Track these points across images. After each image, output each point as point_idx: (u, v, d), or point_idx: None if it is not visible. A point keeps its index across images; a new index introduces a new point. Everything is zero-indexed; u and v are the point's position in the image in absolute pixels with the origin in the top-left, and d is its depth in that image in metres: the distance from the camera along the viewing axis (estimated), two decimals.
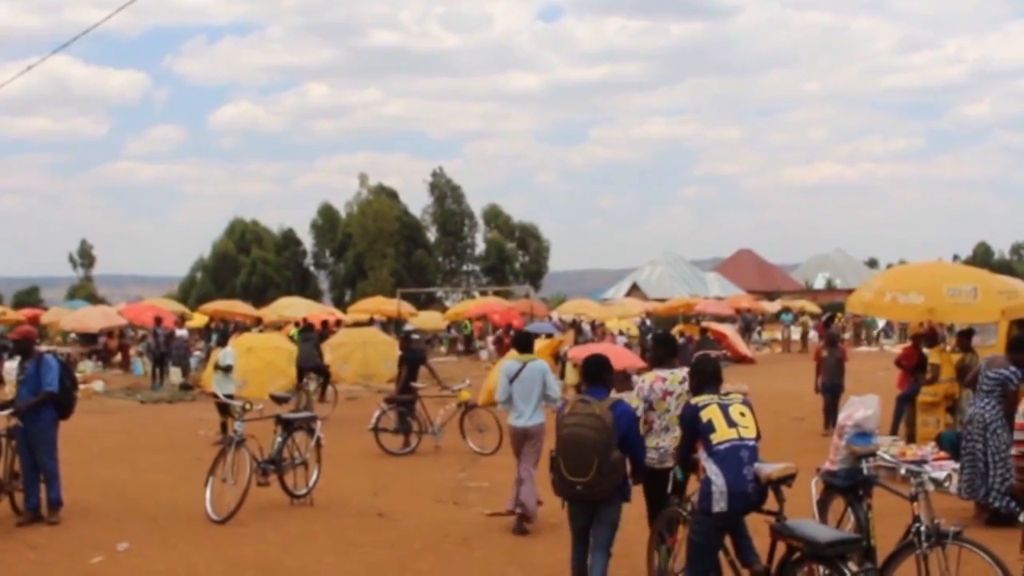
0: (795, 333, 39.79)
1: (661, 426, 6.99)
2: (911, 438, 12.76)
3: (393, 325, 36.53)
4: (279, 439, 10.21)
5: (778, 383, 22.14)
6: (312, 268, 69.23)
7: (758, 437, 5.92)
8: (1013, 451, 7.06)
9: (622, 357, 17.47)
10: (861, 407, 6.80)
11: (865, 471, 6.62)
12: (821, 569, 5.76)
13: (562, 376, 19.48)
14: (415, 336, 17.30)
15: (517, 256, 69.20)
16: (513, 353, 9.70)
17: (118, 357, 29.79)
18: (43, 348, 11.81)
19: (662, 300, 48.54)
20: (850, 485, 6.64)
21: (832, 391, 15.00)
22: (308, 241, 68.61)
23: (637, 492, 6.67)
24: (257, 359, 20.20)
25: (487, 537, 8.83)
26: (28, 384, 9.29)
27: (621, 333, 33.45)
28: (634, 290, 61.61)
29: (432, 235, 68.65)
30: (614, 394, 6.66)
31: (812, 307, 46.91)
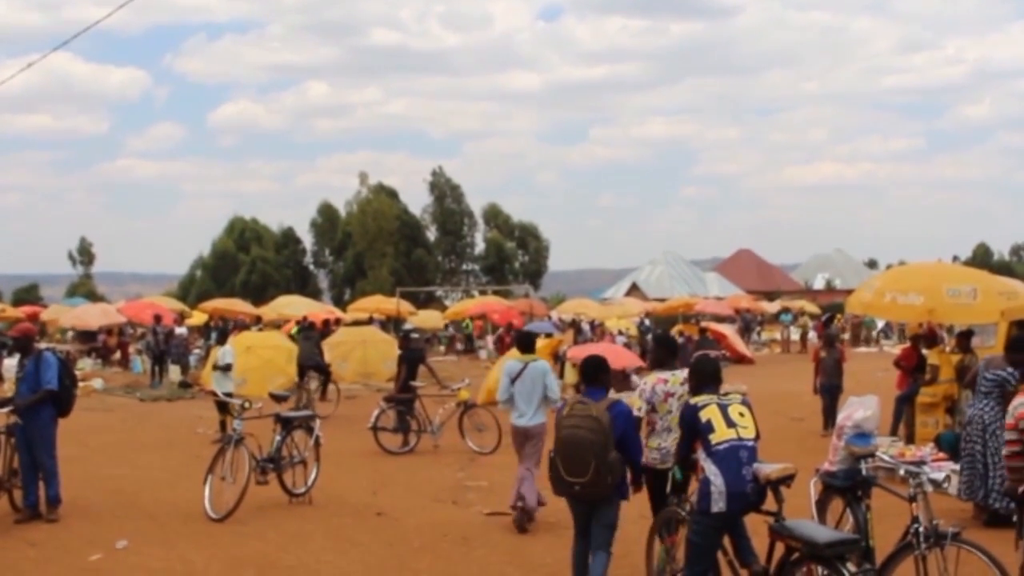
0: (794, 333, 39.79)
1: (663, 427, 7.02)
2: (910, 439, 12.76)
3: (392, 324, 36.52)
4: (278, 437, 10.21)
5: (777, 383, 22.14)
6: (312, 267, 69.28)
7: (757, 437, 5.92)
8: (1004, 451, 7.07)
9: (621, 357, 17.46)
10: (860, 408, 6.80)
11: (864, 472, 6.63)
12: (820, 569, 5.76)
13: (561, 376, 19.48)
14: (414, 335, 17.30)
15: (517, 255, 69.23)
16: (515, 353, 9.71)
17: (117, 355, 29.79)
18: (42, 346, 11.83)
19: (662, 300, 48.54)
20: (849, 486, 6.64)
21: (831, 392, 14.99)
22: (308, 240, 68.77)
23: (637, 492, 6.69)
24: (256, 357, 20.20)
25: (486, 536, 8.84)
26: (27, 382, 9.29)
27: (620, 333, 33.42)
28: (634, 290, 61.57)
29: (432, 234, 68.68)
30: (612, 394, 6.70)
31: (812, 307, 46.88)
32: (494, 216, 70.03)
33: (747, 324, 41.69)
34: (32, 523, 9.17)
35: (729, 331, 33.67)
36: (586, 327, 34.57)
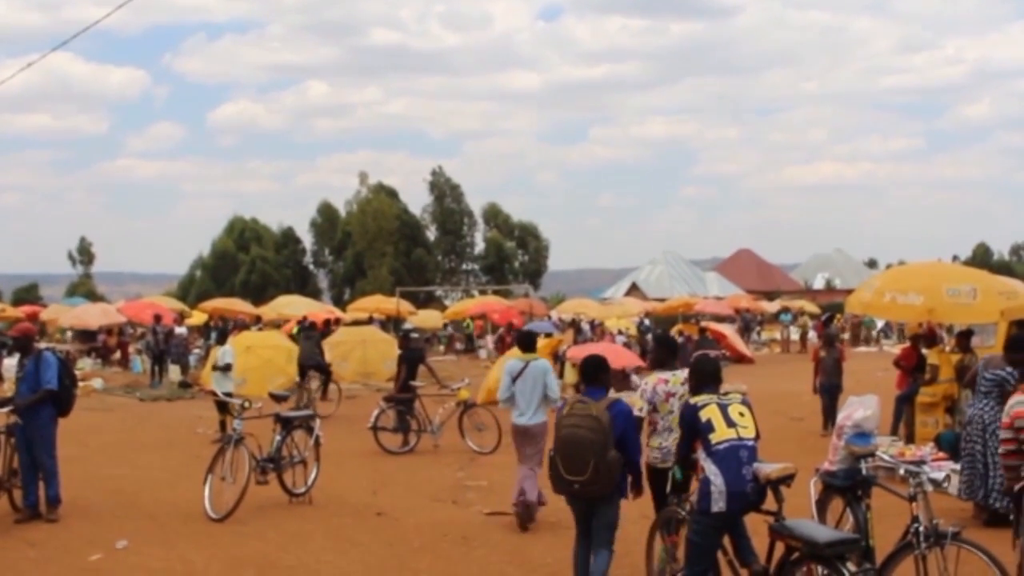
0: (794, 333, 39.80)
1: (664, 426, 7.07)
2: (910, 438, 12.76)
3: (392, 324, 36.52)
4: (278, 437, 10.21)
5: (777, 383, 22.14)
6: (311, 266, 69.30)
7: (757, 437, 5.92)
8: (1000, 449, 7.06)
9: (621, 356, 17.47)
10: (860, 407, 6.80)
11: (864, 471, 6.63)
12: (820, 569, 5.76)
13: (561, 375, 19.49)
14: (414, 335, 17.31)
15: (516, 255, 69.24)
16: (516, 351, 9.71)
17: (117, 355, 29.78)
18: (42, 345, 11.83)
19: (661, 300, 48.54)
20: (849, 485, 6.64)
21: (830, 391, 14.99)
22: (308, 239, 68.79)
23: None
24: (256, 357, 20.19)
25: (486, 536, 8.84)
26: (27, 381, 9.29)
27: (620, 333, 33.42)
28: (633, 290, 61.57)
29: (431, 234, 68.70)
30: (612, 394, 6.70)
31: (811, 307, 46.87)
32: (494, 216, 70.05)
33: (747, 324, 41.70)
34: (32, 523, 9.17)
35: (729, 331, 33.68)
36: (586, 327, 34.57)
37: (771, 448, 7.21)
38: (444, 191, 68.84)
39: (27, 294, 61.48)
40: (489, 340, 36.44)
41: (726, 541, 6.00)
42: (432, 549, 8.40)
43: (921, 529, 5.56)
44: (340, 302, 56.26)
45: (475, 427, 13.79)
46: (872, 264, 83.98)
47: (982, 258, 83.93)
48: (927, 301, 12.58)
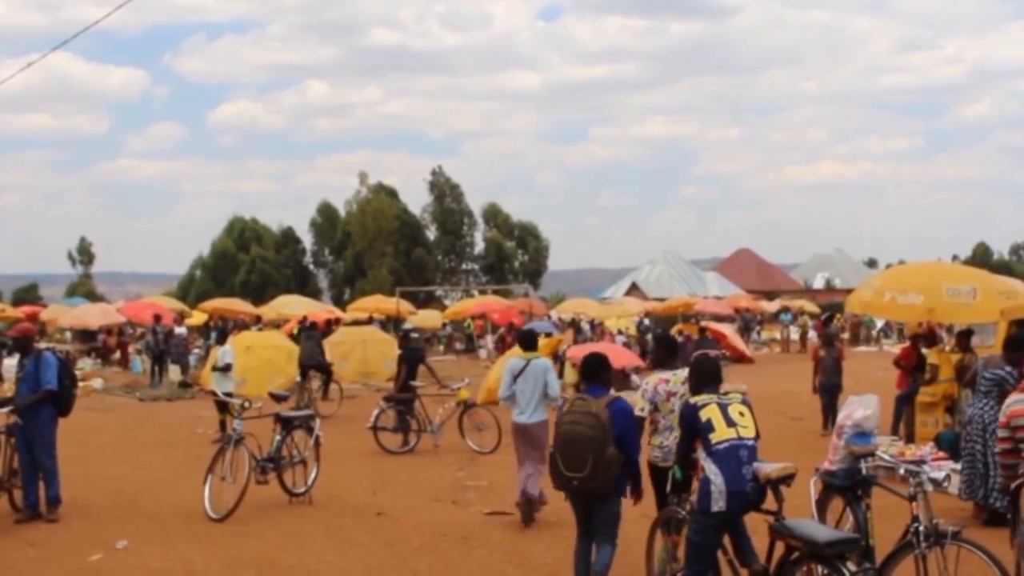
0: (794, 333, 39.81)
1: (666, 425, 7.10)
2: (910, 438, 12.76)
3: (392, 324, 36.52)
4: (278, 437, 10.21)
5: (777, 383, 22.14)
6: (311, 266, 69.33)
7: (757, 437, 5.92)
8: (996, 448, 7.05)
9: (621, 356, 17.50)
10: (860, 407, 6.80)
11: (864, 471, 6.62)
12: (820, 569, 5.76)
13: (561, 375, 19.49)
14: (414, 335, 17.31)
15: (516, 255, 69.28)
16: (517, 350, 9.72)
17: (117, 355, 29.79)
18: (42, 345, 11.82)
19: (661, 299, 48.51)
20: (849, 485, 6.64)
21: (830, 391, 14.99)
22: (307, 239, 68.84)
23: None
24: (256, 357, 20.17)
25: (486, 536, 8.84)
26: (27, 381, 9.29)
27: (620, 332, 33.44)
28: (633, 289, 61.55)
29: (431, 234, 68.73)
30: (613, 392, 6.71)
31: (811, 307, 46.89)
32: (494, 216, 70.07)
33: (747, 323, 41.71)
34: (32, 523, 9.17)
35: (729, 330, 33.67)
36: (586, 327, 34.59)
37: (771, 448, 7.21)
38: (444, 191, 68.86)
39: (27, 294, 61.53)
40: (489, 340, 36.44)
41: (726, 541, 6.00)
42: (432, 549, 8.40)
43: (921, 529, 5.56)
44: (340, 302, 56.27)
45: (475, 427, 13.78)
46: (872, 264, 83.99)
47: (982, 258, 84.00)
48: (927, 301, 12.58)
